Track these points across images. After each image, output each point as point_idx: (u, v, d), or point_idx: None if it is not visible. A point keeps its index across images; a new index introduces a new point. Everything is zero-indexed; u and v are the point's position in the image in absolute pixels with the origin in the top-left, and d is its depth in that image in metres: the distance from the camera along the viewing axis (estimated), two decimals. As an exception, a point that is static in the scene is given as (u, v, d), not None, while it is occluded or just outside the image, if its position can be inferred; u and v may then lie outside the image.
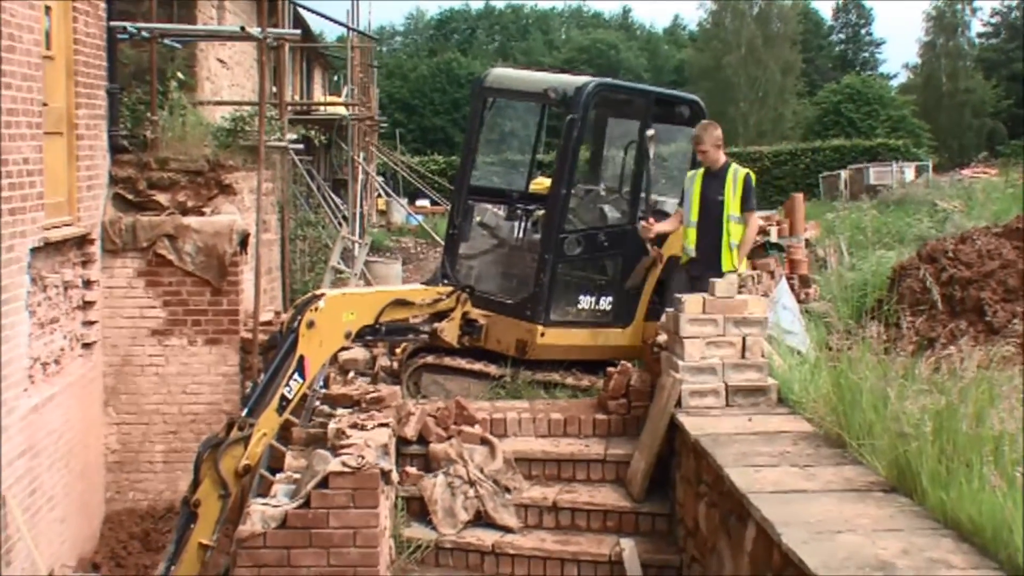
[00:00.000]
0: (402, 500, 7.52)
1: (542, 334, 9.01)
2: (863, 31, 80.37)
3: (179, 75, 12.04)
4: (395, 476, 7.25)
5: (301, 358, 7.19)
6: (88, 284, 10.09)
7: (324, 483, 6.38)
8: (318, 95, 32.31)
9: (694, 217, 8.72)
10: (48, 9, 8.98)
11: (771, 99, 60.75)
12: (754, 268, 12.21)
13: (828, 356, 7.08)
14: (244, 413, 7.07)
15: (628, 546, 7.22)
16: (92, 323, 10.15)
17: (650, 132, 9.26)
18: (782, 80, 61.13)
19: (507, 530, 7.44)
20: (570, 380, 9.11)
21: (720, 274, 8.38)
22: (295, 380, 7.16)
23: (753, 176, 8.82)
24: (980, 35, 69.63)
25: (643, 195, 9.48)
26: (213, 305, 10.71)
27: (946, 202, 22.07)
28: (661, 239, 9.04)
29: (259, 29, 12.84)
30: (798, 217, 16.45)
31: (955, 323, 9.06)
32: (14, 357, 7.96)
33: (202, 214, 10.84)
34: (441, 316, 8.52)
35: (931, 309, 9.09)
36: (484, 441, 7.89)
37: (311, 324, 7.26)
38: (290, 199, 16.10)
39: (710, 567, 6.29)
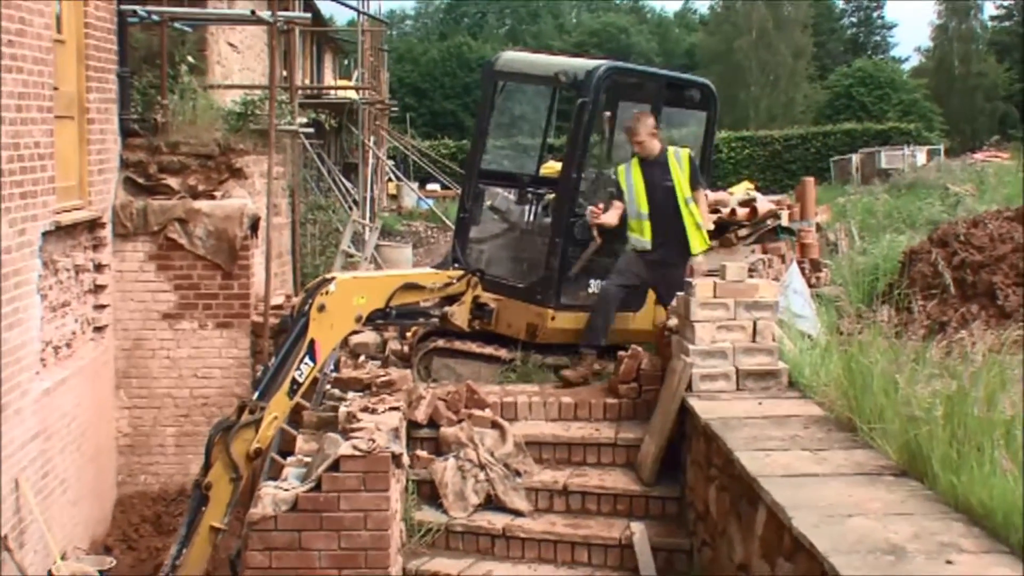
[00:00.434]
0: (413, 483, 7.54)
1: (552, 318, 8.98)
2: (875, 14, 79.77)
3: (190, 59, 12.01)
4: (406, 459, 7.28)
5: (312, 342, 7.22)
6: (99, 268, 10.10)
7: (335, 466, 6.40)
8: (329, 79, 32.30)
9: (644, 209, 8.64)
10: (59, -7, 8.98)
11: (782, 83, 60.61)
12: (764, 252, 12.20)
13: (839, 340, 7.06)
14: (255, 396, 7.11)
15: (638, 530, 7.22)
16: (103, 307, 10.16)
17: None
18: (793, 64, 60.92)
19: (517, 514, 7.46)
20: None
21: (686, 257, 8.50)
22: (306, 364, 7.20)
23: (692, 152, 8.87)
24: (993, 18, 69.21)
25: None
26: (224, 289, 10.71)
27: (958, 186, 21.90)
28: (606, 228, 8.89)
29: (270, 13, 12.79)
30: (809, 201, 16.35)
31: (966, 307, 9.01)
32: (26, 340, 7.98)
33: (213, 198, 10.84)
34: (452, 300, 8.54)
35: (942, 293, 9.06)
36: (495, 425, 7.91)
37: (322, 308, 7.29)
38: (301, 183, 16.11)
39: (720, 551, 6.30)
